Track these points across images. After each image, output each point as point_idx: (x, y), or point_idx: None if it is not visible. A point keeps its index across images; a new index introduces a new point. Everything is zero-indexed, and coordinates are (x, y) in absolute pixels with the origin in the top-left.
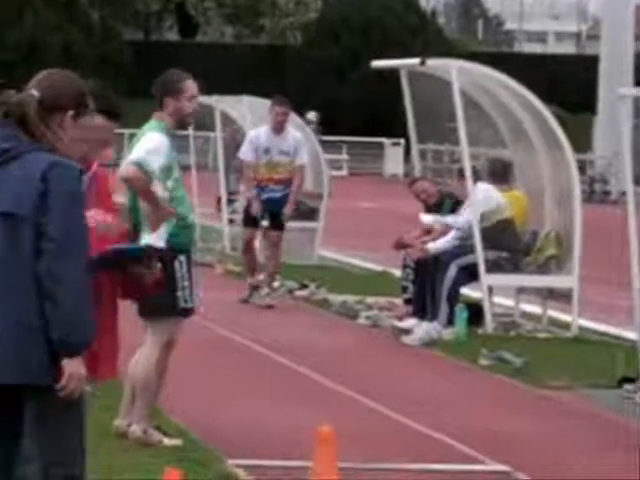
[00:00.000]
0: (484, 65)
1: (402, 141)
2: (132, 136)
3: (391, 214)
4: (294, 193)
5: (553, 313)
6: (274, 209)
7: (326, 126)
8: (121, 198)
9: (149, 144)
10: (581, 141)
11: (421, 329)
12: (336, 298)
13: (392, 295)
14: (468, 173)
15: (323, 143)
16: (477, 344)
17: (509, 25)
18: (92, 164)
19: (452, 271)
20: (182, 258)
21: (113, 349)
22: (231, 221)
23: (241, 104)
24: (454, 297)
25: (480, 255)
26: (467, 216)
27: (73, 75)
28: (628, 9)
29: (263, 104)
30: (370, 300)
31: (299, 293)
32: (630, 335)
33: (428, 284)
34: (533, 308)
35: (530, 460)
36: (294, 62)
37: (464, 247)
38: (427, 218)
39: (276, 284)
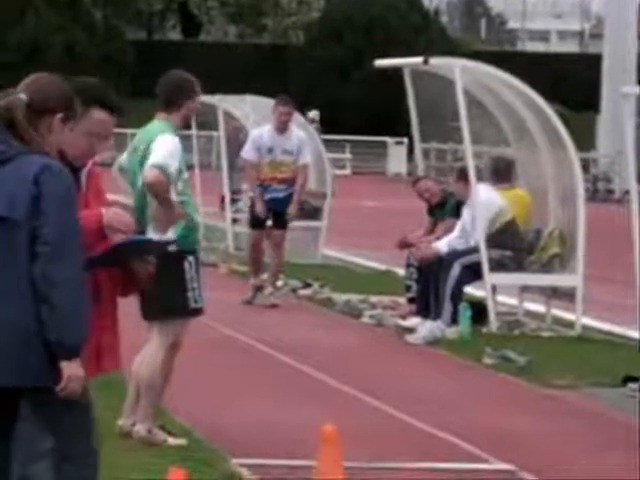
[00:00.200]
0: (487, 64)
1: (405, 140)
2: (134, 136)
3: (394, 213)
4: (298, 193)
5: (557, 312)
6: (277, 208)
7: (329, 125)
8: (114, 197)
9: (168, 147)
10: (584, 140)
11: (425, 328)
12: (340, 297)
13: (396, 294)
14: (471, 172)
15: (325, 142)
16: (481, 343)
17: (512, 24)
18: (87, 162)
19: (456, 270)
20: (191, 259)
21: (115, 344)
22: (235, 220)
23: (244, 103)
24: (458, 296)
25: (484, 254)
26: (477, 236)
27: (61, 79)
28: (631, 8)
29: (266, 103)
30: (374, 299)
31: (303, 292)
32: (634, 334)
33: (432, 283)
34: (537, 307)
35: (534, 459)
36: (297, 61)
37: (468, 246)
38: (443, 247)
39: (280, 283)
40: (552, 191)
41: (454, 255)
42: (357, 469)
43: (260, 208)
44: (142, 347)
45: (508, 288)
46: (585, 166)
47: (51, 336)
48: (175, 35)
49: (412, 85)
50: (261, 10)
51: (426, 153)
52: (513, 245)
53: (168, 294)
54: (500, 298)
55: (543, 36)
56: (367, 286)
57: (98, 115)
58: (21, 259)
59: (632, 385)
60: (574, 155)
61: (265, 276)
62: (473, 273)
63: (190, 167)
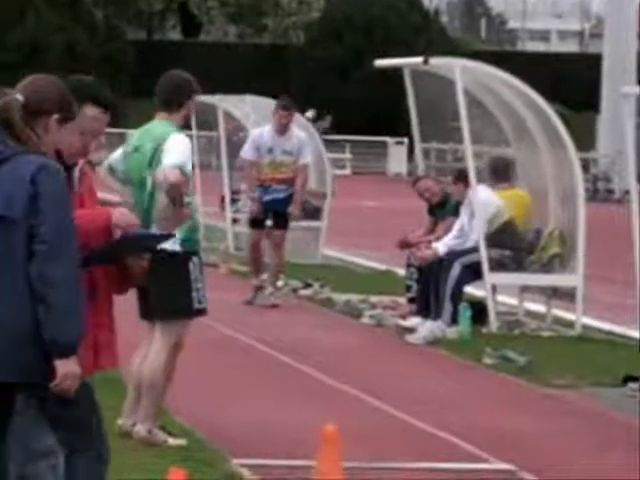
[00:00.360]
0: (487, 64)
1: (405, 140)
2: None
3: (395, 213)
4: (299, 193)
5: (557, 312)
6: (278, 209)
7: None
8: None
9: (182, 146)
10: (584, 140)
11: (425, 328)
12: (340, 297)
13: (396, 294)
14: (472, 172)
15: (325, 142)
16: (481, 343)
17: (512, 24)
18: (78, 160)
19: (456, 270)
20: (195, 260)
21: (111, 342)
22: (235, 220)
23: (244, 103)
24: (458, 296)
25: (484, 254)
26: (477, 236)
27: (58, 80)
28: (631, 7)
29: (266, 103)
30: (374, 299)
31: (303, 292)
32: (634, 334)
33: (432, 283)
34: (537, 307)
35: (534, 459)
36: (297, 61)
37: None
38: (441, 248)
39: (280, 283)
40: (552, 191)
41: (454, 255)
42: (357, 469)
43: (256, 208)
44: (139, 346)
45: (508, 288)
46: (585, 166)
47: (47, 334)
48: (175, 35)
49: (412, 85)
50: (261, 10)
51: (426, 153)
52: (512, 245)
53: (172, 294)
54: (500, 298)
55: (543, 36)
56: (367, 286)
57: (92, 112)
58: (18, 258)
59: (632, 385)
60: (574, 155)
61: (265, 276)
62: (473, 273)
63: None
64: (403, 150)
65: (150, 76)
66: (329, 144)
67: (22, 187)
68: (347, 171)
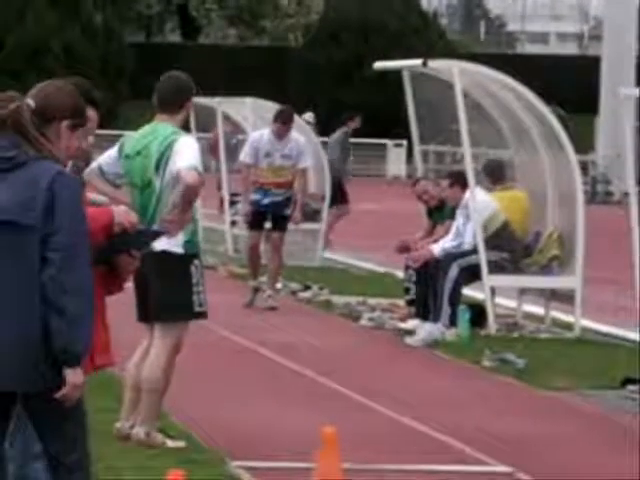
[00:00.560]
0: (486, 66)
1: (404, 142)
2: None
3: (393, 215)
4: (300, 197)
5: (556, 314)
6: (276, 211)
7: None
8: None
9: (194, 148)
10: (583, 142)
11: (424, 330)
12: (339, 299)
13: (395, 296)
14: (470, 174)
15: (323, 144)
16: (480, 345)
17: (511, 26)
18: (67, 162)
19: (454, 271)
20: (197, 262)
21: (106, 341)
22: (234, 223)
23: (244, 106)
24: (456, 298)
25: (483, 256)
26: (469, 238)
27: (70, 86)
28: (630, 10)
29: (266, 106)
30: (373, 301)
31: (302, 295)
32: (633, 336)
33: (430, 285)
34: (536, 309)
35: (533, 461)
36: (296, 64)
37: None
38: (436, 250)
39: (279, 285)
40: (551, 193)
41: (452, 257)
42: (356, 471)
43: (245, 210)
44: (136, 347)
45: (507, 290)
46: (584, 168)
47: (58, 343)
48: (174, 37)
49: (411, 87)
50: (260, 12)
51: (425, 155)
52: (508, 247)
53: (173, 296)
54: (499, 300)
55: (542, 38)
56: (366, 288)
57: (87, 112)
58: (31, 265)
59: (631, 387)
60: (573, 157)
61: (263, 278)
62: (471, 275)
63: None
64: (402, 152)
65: (149, 78)
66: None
67: (38, 194)
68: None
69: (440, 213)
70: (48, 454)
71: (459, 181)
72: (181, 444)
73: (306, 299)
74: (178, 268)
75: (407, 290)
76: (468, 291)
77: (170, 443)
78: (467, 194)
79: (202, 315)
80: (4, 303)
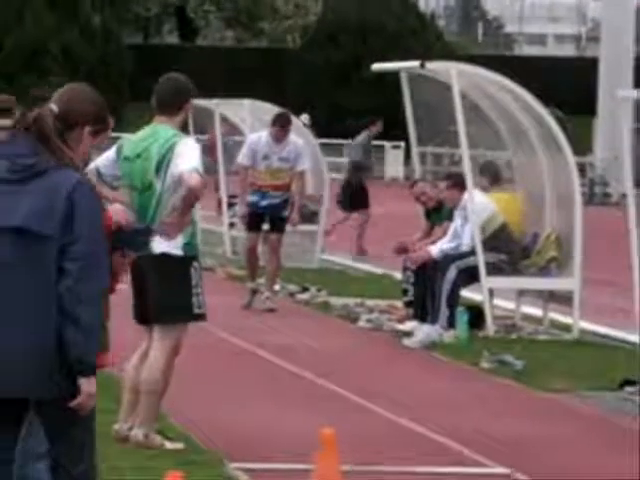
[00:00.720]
0: (484, 67)
1: (402, 144)
2: None
3: (391, 217)
4: (297, 199)
5: (554, 315)
6: (274, 213)
7: (326, 129)
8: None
9: (195, 150)
10: (581, 143)
11: (422, 332)
12: (337, 301)
13: (393, 298)
14: (469, 175)
15: (321, 146)
16: (478, 347)
17: (509, 28)
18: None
19: (452, 273)
20: (196, 264)
21: (105, 341)
22: (232, 225)
23: (242, 108)
24: (454, 299)
25: (481, 258)
26: (467, 240)
27: (92, 91)
28: (628, 12)
29: (264, 107)
30: (371, 303)
31: (300, 296)
32: (631, 337)
33: (429, 286)
34: (534, 310)
35: (531, 462)
36: (294, 65)
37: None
38: (434, 251)
39: (277, 287)
40: (549, 195)
41: (450, 258)
42: (354, 473)
43: (242, 211)
44: (135, 348)
45: (505, 292)
46: (582, 170)
47: (73, 353)
48: (172, 39)
49: (409, 89)
50: (258, 14)
51: (423, 157)
52: (507, 249)
53: (173, 298)
54: (497, 302)
55: (540, 40)
56: (364, 290)
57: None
58: (48, 275)
59: (630, 389)
60: (571, 159)
61: (261, 280)
62: (469, 276)
63: None
64: (400, 154)
65: (147, 80)
66: (325, 148)
67: (57, 203)
68: (344, 175)
69: (438, 214)
70: (55, 462)
71: (458, 182)
72: (179, 446)
73: (304, 301)
74: (177, 270)
75: (405, 291)
76: (466, 293)
77: (168, 445)
78: (465, 195)
79: (201, 317)
80: (20, 312)
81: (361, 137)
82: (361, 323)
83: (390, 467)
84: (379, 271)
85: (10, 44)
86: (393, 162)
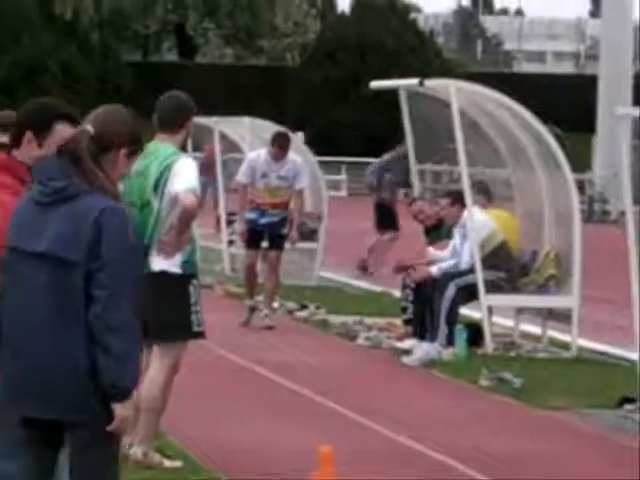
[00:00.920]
0: (483, 85)
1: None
2: None
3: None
4: (296, 217)
5: (553, 333)
6: (273, 231)
7: (325, 146)
8: None
9: (192, 170)
10: (580, 161)
11: (421, 349)
12: (336, 319)
13: (392, 316)
14: (468, 192)
15: (320, 163)
16: (477, 364)
17: (508, 45)
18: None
19: (451, 291)
20: (195, 282)
21: None
22: (231, 242)
23: (242, 125)
24: (453, 317)
25: (480, 276)
26: (467, 258)
27: (126, 111)
28: (627, 30)
29: (263, 125)
30: (369, 321)
31: (299, 314)
32: (630, 355)
33: (428, 304)
34: (533, 328)
35: None
36: (293, 83)
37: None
38: (435, 270)
39: (275, 305)
40: (548, 212)
41: (449, 276)
42: None
43: (241, 229)
44: None
45: (504, 309)
46: (581, 187)
47: (105, 379)
48: (171, 57)
49: (408, 106)
50: (257, 32)
51: (422, 174)
52: (506, 267)
53: (172, 316)
54: (496, 319)
55: (539, 57)
56: (363, 308)
57: (66, 130)
58: (76, 300)
59: (629, 406)
60: (570, 176)
61: (260, 297)
62: (468, 294)
63: None
64: None
65: (146, 97)
66: (324, 165)
67: (83, 228)
68: (343, 192)
69: (437, 232)
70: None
71: (458, 200)
72: (178, 464)
73: (303, 318)
74: (176, 288)
75: (404, 309)
76: (465, 310)
77: (167, 463)
78: (465, 213)
79: (200, 335)
80: (50, 335)
81: (386, 157)
82: (360, 341)
83: None
84: (378, 289)
85: (8, 62)
86: None
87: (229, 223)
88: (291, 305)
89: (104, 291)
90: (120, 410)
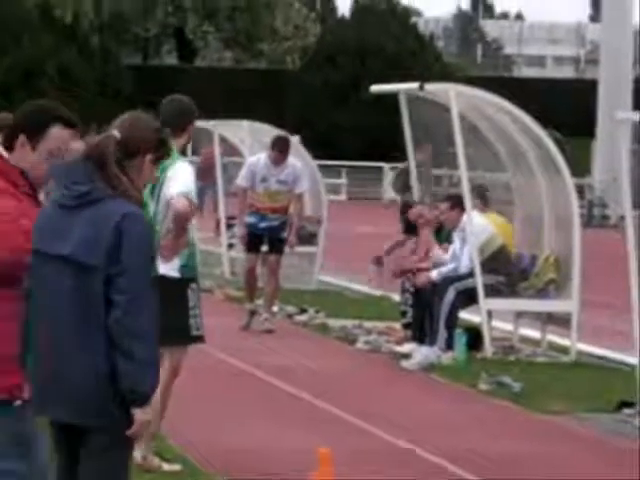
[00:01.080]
0: (483, 89)
1: (401, 166)
2: None
3: (390, 239)
4: (295, 221)
5: (552, 337)
6: (273, 235)
7: (325, 150)
8: None
9: (188, 174)
10: (580, 165)
11: (420, 353)
12: (335, 323)
13: (391, 320)
14: (467, 196)
15: (320, 167)
16: (476, 369)
17: (508, 49)
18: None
19: (450, 295)
20: (194, 286)
21: None
22: (230, 246)
23: (241, 129)
24: (452, 321)
25: (479, 280)
26: (466, 262)
27: (151, 118)
28: (627, 34)
29: (263, 129)
30: (369, 325)
31: (298, 318)
32: (629, 359)
33: (427, 308)
34: (532, 332)
35: None
36: (293, 86)
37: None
38: (435, 274)
39: (275, 308)
40: (547, 217)
41: (449, 280)
42: None
43: (241, 232)
44: None
45: (503, 314)
46: (580, 192)
47: (125, 384)
48: (171, 60)
49: (408, 110)
50: (257, 35)
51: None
52: (506, 271)
53: (170, 320)
54: (495, 324)
55: (539, 61)
56: (362, 312)
57: (61, 133)
58: (96, 305)
59: (627, 410)
60: (569, 180)
61: (260, 301)
62: (467, 298)
63: None
64: None
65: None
66: (324, 169)
67: (104, 233)
68: (342, 197)
69: (437, 236)
70: None
71: (457, 204)
72: (177, 468)
73: (302, 322)
74: (174, 292)
75: (403, 313)
76: (464, 314)
77: (166, 467)
78: (464, 217)
79: (199, 339)
80: (71, 339)
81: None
82: (359, 345)
83: None
84: (377, 293)
85: (7, 64)
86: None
87: (229, 227)
88: (291, 309)
89: (124, 296)
90: (140, 415)
